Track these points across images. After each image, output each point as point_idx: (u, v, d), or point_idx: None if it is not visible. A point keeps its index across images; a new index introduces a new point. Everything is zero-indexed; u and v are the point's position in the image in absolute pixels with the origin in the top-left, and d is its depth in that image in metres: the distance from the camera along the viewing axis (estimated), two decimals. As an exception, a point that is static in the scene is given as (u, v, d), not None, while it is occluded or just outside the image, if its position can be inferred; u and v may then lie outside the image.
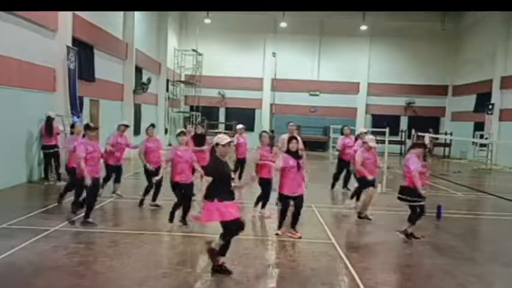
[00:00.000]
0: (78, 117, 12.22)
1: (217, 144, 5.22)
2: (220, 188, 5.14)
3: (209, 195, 5.12)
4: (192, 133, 10.41)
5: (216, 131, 26.34)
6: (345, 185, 11.70)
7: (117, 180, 9.71)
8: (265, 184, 8.23)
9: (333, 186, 11.78)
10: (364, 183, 8.41)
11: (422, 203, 7.10)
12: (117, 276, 5.21)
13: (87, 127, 7.51)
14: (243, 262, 5.82)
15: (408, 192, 7.09)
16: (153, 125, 9.32)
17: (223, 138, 5.25)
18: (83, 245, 6.23)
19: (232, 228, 5.17)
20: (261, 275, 5.50)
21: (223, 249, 5.29)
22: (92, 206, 7.30)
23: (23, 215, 7.62)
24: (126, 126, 9.73)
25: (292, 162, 6.93)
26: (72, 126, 9.96)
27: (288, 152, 7.06)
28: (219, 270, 5.29)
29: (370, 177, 8.31)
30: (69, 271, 5.28)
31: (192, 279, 5.17)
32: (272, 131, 8.33)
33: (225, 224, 5.17)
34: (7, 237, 6.38)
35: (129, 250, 6.14)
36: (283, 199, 7.14)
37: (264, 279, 5.39)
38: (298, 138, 8.65)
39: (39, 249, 5.99)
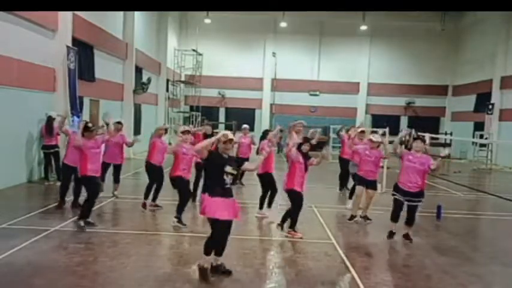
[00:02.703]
0: (78, 117, 12.23)
1: (218, 141, 5.30)
2: (210, 182, 5.14)
3: (204, 189, 5.22)
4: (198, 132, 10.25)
5: (217, 131, 26.36)
6: (344, 184, 11.68)
7: (116, 180, 9.68)
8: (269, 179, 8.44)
9: (341, 187, 11.70)
10: (359, 181, 8.43)
11: (400, 199, 7.10)
12: (117, 276, 5.20)
13: (85, 128, 7.43)
14: (243, 262, 5.82)
15: (395, 186, 7.25)
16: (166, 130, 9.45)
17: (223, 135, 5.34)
18: (83, 245, 6.23)
19: (216, 230, 5.13)
20: (261, 275, 5.50)
21: (219, 250, 5.28)
22: (91, 206, 7.30)
23: (23, 215, 7.62)
24: (118, 123, 9.68)
25: (301, 159, 7.09)
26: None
27: (300, 150, 7.17)
28: (218, 270, 5.29)
29: (369, 177, 8.31)
30: (69, 271, 5.28)
31: (192, 279, 5.17)
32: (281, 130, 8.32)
33: (212, 223, 5.15)
34: (7, 237, 6.37)
35: (129, 250, 6.14)
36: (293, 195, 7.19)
37: (264, 279, 5.39)
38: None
39: (39, 249, 5.98)
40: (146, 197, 8.69)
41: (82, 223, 7.01)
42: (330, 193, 11.46)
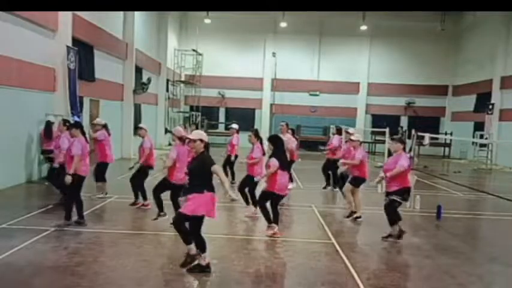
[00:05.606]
0: (78, 117, 12.22)
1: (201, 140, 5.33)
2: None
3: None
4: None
5: (217, 131, 26.42)
6: (328, 185, 11.77)
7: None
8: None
9: (329, 185, 11.81)
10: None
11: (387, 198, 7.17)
12: (117, 276, 5.21)
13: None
14: (243, 262, 5.82)
15: None
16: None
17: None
18: (83, 245, 6.23)
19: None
20: (261, 274, 5.50)
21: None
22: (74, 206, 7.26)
23: (23, 215, 7.62)
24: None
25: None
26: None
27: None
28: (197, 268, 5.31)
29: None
30: (69, 271, 5.28)
31: (192, 279, 5.17)
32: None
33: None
34: (7, 237, 6.37)
35: (129, 250, 6.14)
36: None
37: (264, 279, 5.39)
38: (285, 137, 8.99)
39: (39, 249, 5.99)
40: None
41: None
42: (329, 193, 11.45)
